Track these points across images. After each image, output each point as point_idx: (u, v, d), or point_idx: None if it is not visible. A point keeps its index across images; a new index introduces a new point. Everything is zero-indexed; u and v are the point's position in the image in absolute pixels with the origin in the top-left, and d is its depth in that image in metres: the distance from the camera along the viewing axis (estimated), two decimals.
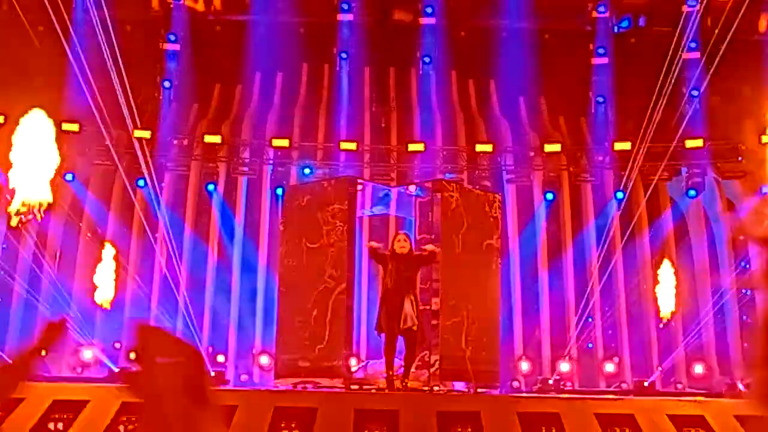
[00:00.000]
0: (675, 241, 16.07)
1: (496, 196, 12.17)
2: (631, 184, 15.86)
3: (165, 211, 15.76)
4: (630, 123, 16.33)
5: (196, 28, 17.17)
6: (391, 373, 9.71)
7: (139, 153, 15.43)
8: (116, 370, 13.81)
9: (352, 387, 10.55)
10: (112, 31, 14.89)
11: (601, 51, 16.94)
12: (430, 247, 10.20)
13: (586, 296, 15.73)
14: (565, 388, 14.40)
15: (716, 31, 15.38)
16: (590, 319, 15.84)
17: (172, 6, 16.88)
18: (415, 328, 9.68)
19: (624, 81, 16.67)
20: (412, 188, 11.82)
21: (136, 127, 15.46)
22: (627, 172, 15.76)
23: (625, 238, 15.73)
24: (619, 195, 16.01)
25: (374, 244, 10.35)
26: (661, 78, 15.25)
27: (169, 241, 15.43)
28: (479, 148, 16.30)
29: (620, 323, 15.95)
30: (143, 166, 15.39)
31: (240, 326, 15.83)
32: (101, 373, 14.39)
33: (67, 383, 11.28)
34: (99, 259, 14.38)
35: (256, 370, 15.37)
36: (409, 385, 9.79)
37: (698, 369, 15.20)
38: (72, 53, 14.84)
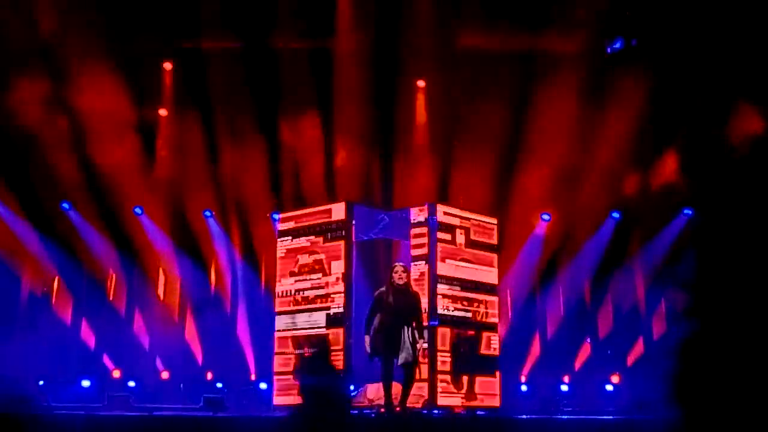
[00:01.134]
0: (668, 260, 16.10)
1: (493, 219, 12.19)
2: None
3: None
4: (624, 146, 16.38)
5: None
6: (389, 399, 9.61)
7: None
8: None
9: (352, 411, 10.51)
10: None
11: None
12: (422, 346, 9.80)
13: (583, 316, 15.77)
14: (565, 409, 14.34)
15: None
16: (588, 341, 15.85)
17: None
18: (412, 363, 9.52)
19: (615, 103, 16.68)
20: (408, 212, 11.78)
21: None
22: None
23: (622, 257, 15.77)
24: (615, 215, 16.12)
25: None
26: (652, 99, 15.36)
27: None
28: None
29: (617, 343, 15.95)
30: None
31: (238, 351, 15.78)
32: None
33: None
34: None
35: (254, 396, 15.28)
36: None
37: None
38: None
